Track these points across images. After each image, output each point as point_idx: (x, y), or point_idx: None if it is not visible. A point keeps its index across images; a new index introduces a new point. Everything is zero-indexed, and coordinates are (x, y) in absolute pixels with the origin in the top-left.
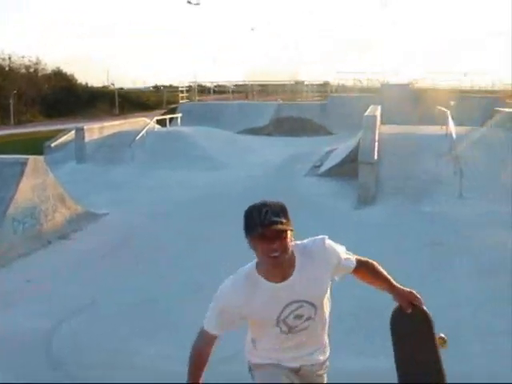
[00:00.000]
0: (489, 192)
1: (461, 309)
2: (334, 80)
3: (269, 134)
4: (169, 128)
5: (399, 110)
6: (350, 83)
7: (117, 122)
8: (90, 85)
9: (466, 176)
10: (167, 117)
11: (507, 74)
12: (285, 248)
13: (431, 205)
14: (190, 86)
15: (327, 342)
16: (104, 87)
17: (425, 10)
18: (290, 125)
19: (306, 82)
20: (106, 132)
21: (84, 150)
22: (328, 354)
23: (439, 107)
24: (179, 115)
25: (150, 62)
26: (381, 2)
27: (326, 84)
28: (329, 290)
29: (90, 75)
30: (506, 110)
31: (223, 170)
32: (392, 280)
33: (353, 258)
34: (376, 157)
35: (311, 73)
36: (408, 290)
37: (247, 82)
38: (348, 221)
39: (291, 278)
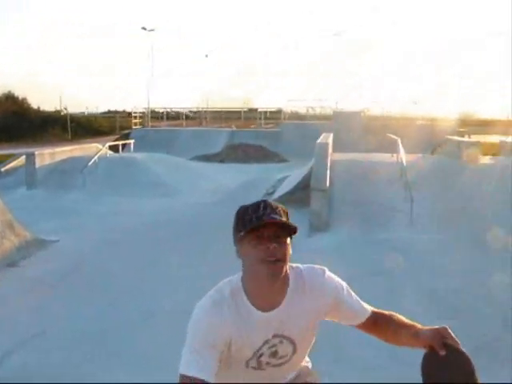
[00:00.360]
0: (439, 218)
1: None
2: (287, 107)
3: (222, 161)
4: (121, 154)
5: (351, 138)
6: (302, 110)
7: (68, 148)
8: (42, 109)
9: (417, 203)
10: (120, 143)
11: (456, 104)
12: (284, 256)
13: (383, 231)
14: (143, 112)
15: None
16: (57, 112)
17: (377, 37)
18: (243, 152)
19: (259, 109)
20: (58, 157)
21: (35, 175)
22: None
23: (390, 135)
24: (132, 141)
25: (104, 87)
26: (336, 33)
27: (279, 111)
28: (315, 329)
29: (42, 99)
30: (456, 138)
31: (175, 196)
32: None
33: (366, 305)
34: (328, 184)
35: (265, 100)
36: (437, 326)
37: (201, 109)
38: (300, 248)
39: (280, 307)
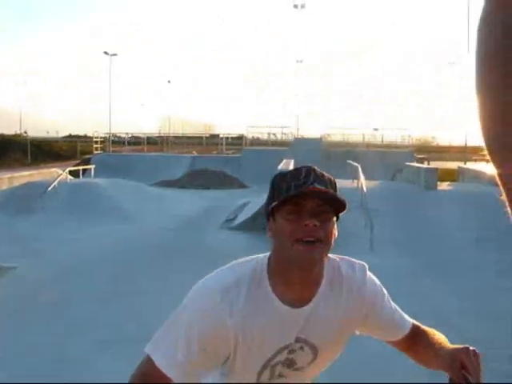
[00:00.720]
0: (399, 244)
1: (376, 364)
2: (248, 133)
3: (183, 187)
4: (82, 179)
5: (312, 164)
6: (264, 137)
7: (27, 173)
8: (1, 133)
9: (377, 228)
10: (80, 168)
11: (417, 129)
12: (327, 237)
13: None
14: (104, 137)
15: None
16: (16, 135)
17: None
18: (204, 177)
19: (221, 135)
20: (16, 182)
21: None
22: None
23: (350, 161)
24: (92, 166)
25: (65, 112)
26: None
27: (240, 137)
28: (343, 342)
29: (1, 123)
30: (415, 164)
31: (135, 222)
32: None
33: (406, 316)
34: None
35: (227, 126)
36: (458, 346)
37: (162, 134)
38: None
39: (310, 304)
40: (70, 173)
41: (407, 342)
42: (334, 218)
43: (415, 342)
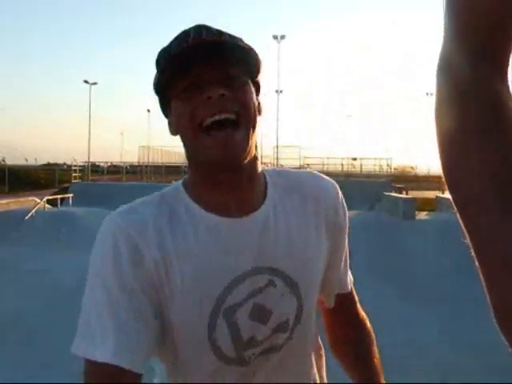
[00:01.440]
0: (376, 274)
1: None
2: None
3: None
4: (60, 208)
5: None
6: None
7: (5, 201)
8: None
9: (354, 258)
10: (58, 197)
11: (397, 157)
12: (245, 109)
13: None
14: (83, 166)
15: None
16: None
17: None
18: None
19: None
20: None
21: None
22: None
23: None
24: (71, 195)
25: (44, 139)
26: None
27: None
28: (320, 268)
29: None
30: (393, 194)
31: None
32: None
33: (350, 282)
34: None
35: None
36: None
37: (141, 163)
38: None
39: (261, 210)
40: (48, 201)
41: (335, 317)
42: (251, 86)
43: (344, 324)
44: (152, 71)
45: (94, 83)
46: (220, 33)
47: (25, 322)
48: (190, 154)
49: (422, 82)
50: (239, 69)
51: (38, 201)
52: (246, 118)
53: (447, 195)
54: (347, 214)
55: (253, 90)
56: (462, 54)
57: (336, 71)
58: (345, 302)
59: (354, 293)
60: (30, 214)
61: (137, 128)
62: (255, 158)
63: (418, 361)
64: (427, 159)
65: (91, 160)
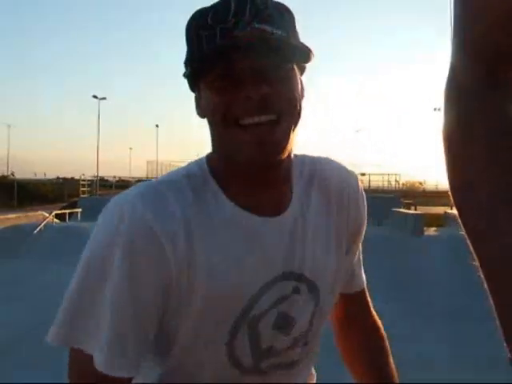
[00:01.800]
0: (385, 290)
1: None
2: None
3: None
4: (68, 223)
5: None
6: None
7: (14, 215)
8: None
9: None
10: (67, 211)
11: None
12: (289, 105)
13: None
14: (91, 180)
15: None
16: (3, 177)
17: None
18: None
19: None
20: (1, 225)
21: None
22: None
23: None
24: (79, 210)
25: (53, 154)
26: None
27: None
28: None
29: None
30: (401, 209)
31: None
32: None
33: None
34: None
35: None
36: None
37: (150, 178)
38: None
39: (290, 209)
40: (57, 216)
41: (348, 320)
42: (297, 72)
43: (358, 329)
44: (160, 87)
45: (103, 98)
46: (274, 18)
47: (34, 336)
48: (219, 144)
49: (429, 97)
50: (286, 58)
51: (47, 215)
52: (288, 114)
53: (455, 211)
54: (366, 208)
55: (298, 77)
56: (468, 73)
57: (345, 88)
58: (358, 301)
59: (367, 294)
60: (38, 229)
61: (145, 143)
62: (291, 147)
63: (426, 375)
64: (435, 174)
65: (100, 174)
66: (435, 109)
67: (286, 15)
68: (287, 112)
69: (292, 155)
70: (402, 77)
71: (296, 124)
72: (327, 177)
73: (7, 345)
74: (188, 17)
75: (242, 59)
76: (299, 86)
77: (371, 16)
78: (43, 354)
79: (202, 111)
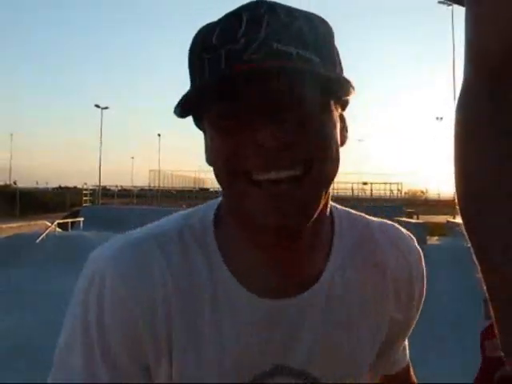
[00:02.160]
0: None
1: None
2: None
3: None
4: (70, 232)
5: None
6: None
7: (16, 224)
8: None
9: None
10: (69, 220)
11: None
12: (319, 149)
13: None
14: (94, 189)
15: None
16: (5, 186)
17: None
18: None
19: (211, 189)
20: (4, 234)
21: None
22: None
23: None
24: (81, 219)
25: (55, 163)
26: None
27: None
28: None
29: None
30: (403, 219)
31: None
32: None
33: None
34: None
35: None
36: None
37: (152, 187)
38: None
39: (321, 282)
40: (59, 225)
41: None
42: (334, 108)
43: None
44: (162, 97)
45: (106, 107)
46: (296, 39)
47: (37, 345)
48: (227, 201)
49: (431, 106)
50: (316, 91)
51: (49, 224)
52: (318, 169)
53: (458, 220)
54: (424, 292)
55: (335, 115)
56: (482, 87)
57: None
58: (400, 381)
59: (411, 370)
60: (40, 238)
61: (147, 152)
62: (325, 208)
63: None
64: (437, 183)
65: (102, 184)
66: (437, 118)
67: (322, 30)
68: (316, 165)
69: (328, 209)
70: (405, 86)
71: (332, 178)
72: (383, 250)
73: (8, 354)
74: (193, 29)
75: (253, 92)
76: (336, 128)
77: (373, 25)
78: (44, 362)
79: (207, 156)
